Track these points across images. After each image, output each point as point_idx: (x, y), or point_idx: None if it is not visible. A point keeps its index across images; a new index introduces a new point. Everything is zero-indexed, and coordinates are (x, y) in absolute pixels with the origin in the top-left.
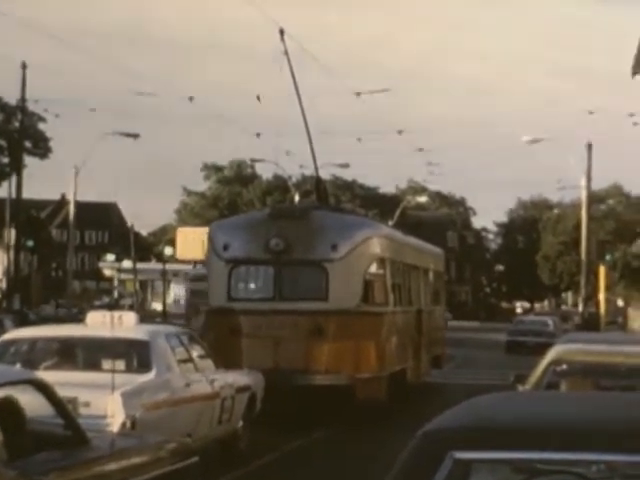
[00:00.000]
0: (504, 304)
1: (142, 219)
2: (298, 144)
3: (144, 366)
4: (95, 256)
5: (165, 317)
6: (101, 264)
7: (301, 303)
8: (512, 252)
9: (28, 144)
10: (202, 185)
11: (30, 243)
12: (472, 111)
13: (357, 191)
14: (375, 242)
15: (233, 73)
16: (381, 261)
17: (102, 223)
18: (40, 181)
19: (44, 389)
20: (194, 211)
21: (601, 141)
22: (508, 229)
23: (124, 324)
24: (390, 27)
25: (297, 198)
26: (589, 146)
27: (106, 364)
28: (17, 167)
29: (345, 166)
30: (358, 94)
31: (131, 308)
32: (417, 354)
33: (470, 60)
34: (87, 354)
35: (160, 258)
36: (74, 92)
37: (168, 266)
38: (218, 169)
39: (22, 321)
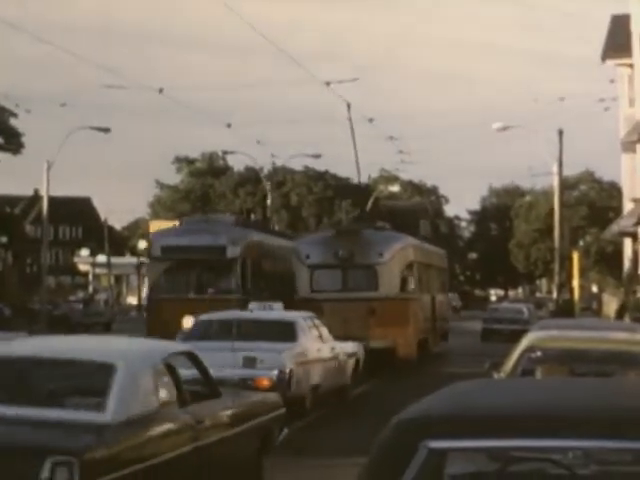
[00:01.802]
0: (478, 292)
1: (116, 213)
2: (269, 133)
3: (292, 338)
4: (69, 251)
5: (140, 311)
6: (76, 259)
7: (359, 293)
8: (485, 240)
9: (0, 140)
10: (175, 178)
11: (4, 239)
12: (442, 99)
13: (329, 181)
14: (406, 250)
15: (202, 65)
16: (410, 263)
17: (76, 218)
18: (13, 177)
19: (194, 358)
20: (167, 204)
21: (572, 127)
22: (481, 217)
23: (275, 310)
24: (358, 16)
25: (268, 187)
26: (560, 132)
27: (269, 336)
28: None
29: (317, 156)
30: (328, 84)
31: (106, 303)
32: (433, 328)
33: (440, 48)
34: (257, 330)
35: (134, 252)
36: (44, 87)
37: (142, 260)
38: (190, 162)
39: None
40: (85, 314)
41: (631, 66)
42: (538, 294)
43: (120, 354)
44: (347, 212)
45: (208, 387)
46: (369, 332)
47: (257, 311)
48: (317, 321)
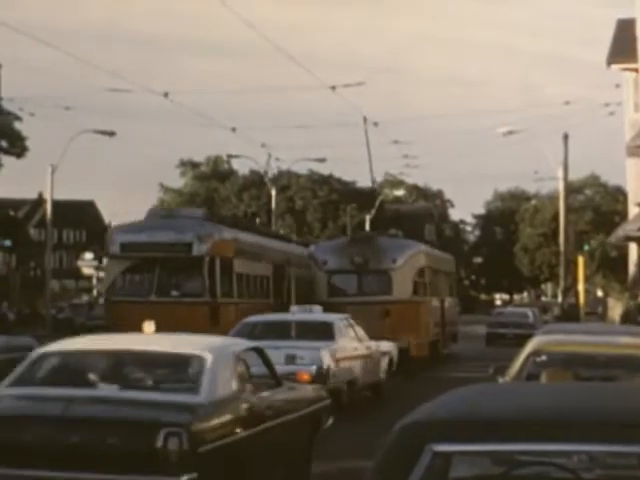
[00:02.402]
0: (483, 296)
1: (119, 217)
2: (272, 136)
3: (331, 336)
4: (73, 255)
5: None
6: (80, 263)
7: (375, 296)
8: (490, 244)
9: (4, 143)
10: (179, 182)
11: (8, 243)
12: (448, 103)
13: (334, 185)
14: (418, 256)
15: (207, 69)
16: (422, 268)
17: (80, 221)
18: (17, 180)
19: (261, 353)
20: (171, 208)
21: (577, 132)
22: (486, 221)
23: (314, 312)
24: (365, 20)
25: (273, 193)
26: (565, 137)
27: (309, 335)
28: None
29: (322, 160)
30: (333, 88)
31: None
32: (443, 330)
33: (446, 51)
34: (298, 330)
35: None
36: (49, 90)
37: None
38: (194, 165)
39: (1, 321)
40: (89, 317)
41: (636, 70)
42: (543, 298)
43: (206, 348)
44: (352, 216)
45: (272, 378)
46: (384, 333)
47: (298, 313)
48: (353, 322)
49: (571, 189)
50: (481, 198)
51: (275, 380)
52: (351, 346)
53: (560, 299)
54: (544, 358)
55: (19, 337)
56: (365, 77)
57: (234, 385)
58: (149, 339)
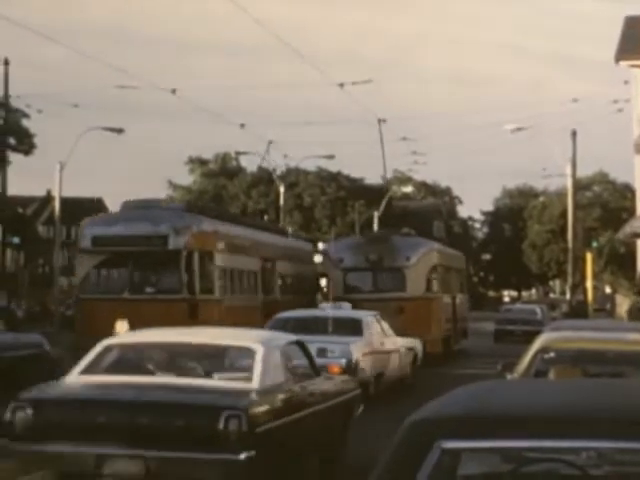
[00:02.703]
0: (492, 293)
1: None
2: (281, 133)
3: (359, 332)
4: None
5: None
6: None
7: (389, 293)
8: (499, 241)
9: (12, 140)
10: (187, 179)
11: (16, 240)
12: (455, 99)
13: (342, 182)
14: (431, 254)
15: (215, 66)
16: (434, 266)
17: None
18: (25, 178)
19: (302, 346)
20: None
21: (586, 128)
22: (494, 218)
23: (343, 309)
24: (372, 17)
25: (282, 190)
26: (574, 133)
27: (339, 331)
28: (2, 164)
29: (330, 157)
30: (341, 85)
31: None
32: (454, 326)
33: (454, 48)
34: (329, 325)
35: None
36: (56, 87)
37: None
38: (203, 162)
39: (10, 318)
40: None
41: None
42: (551, 295)
43: (257, 341)
44: (360, 213)
45: (311, 369)
46: (398, 328)
47: (328, 310)
48: (380, 319)
49: (579, 186)
50: (489, 195)
51: (314, 370)
52: (378, 341)
53: (568, 296)
54: (552, 355)
55: (27, 334)
56: (373, 75)
57: (281, 374)
58: (205, 332)
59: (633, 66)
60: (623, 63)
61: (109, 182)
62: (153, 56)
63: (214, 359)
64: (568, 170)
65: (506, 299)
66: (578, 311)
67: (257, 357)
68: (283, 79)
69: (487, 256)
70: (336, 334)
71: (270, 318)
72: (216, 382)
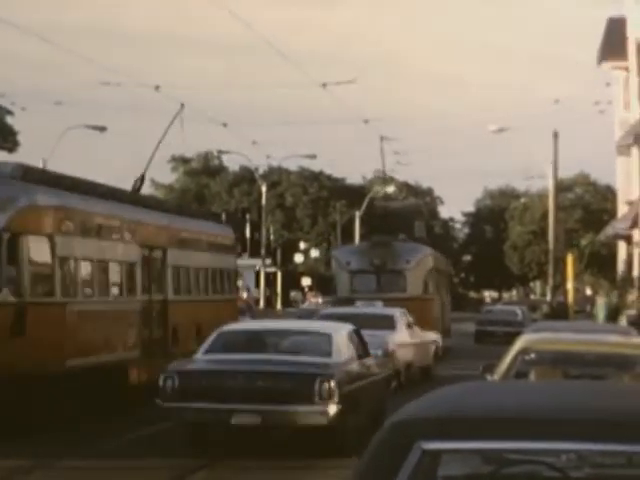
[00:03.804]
0: (472, 294)
1: None
2: (264, 133)
3: (393, 326)
4: None
5: None
6: None
7: (391, 294)
8: (480, 242)
9: None
10: (170, 177)
11: None
12: (437, 100)
13: (324, 182)
14: (427, 258)
15: (198, 65)
16: (430, 269)
17: None
18: None
19: (358, 333)
20: None
21: (567, 130)
22: (475, 219)
23: (377, 306)
24: (356, 17)
25: (264, 189)
26: (555, 135)
27: (375, 325)
28: None
29: (312, 157)
30: (324, 85)
31: None
32: (443, 324)
33: (437, 48)
34: (366, 320)
35: None
36: (40, 85)
37: None
38: (185, 161)
39: None
40: None
41: (627, 69)
42: (532, 296)
43: (331, 328)
44: (342, 213)
45: (364, 350)
46: None
47: (364, 307)
48: (408, 315)
49: (561, 187)
50: (471, 196)
51: (365, 352)
52: (408, 335)
53: (549, 297)
54: (533, 356)
55: None
56: (356, 74)
57: (347, 353)
58: (290, 322)
59: (615, 68)
60: (605, 65)
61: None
62: (137, 54)
63: (302, 340)
64: (550, 171)
65: (487, 300)
66: (559, 312)
67: (333, 340)
68: (267, 79)
69: (468, 257)
70: (373, 328)
71: (162, 324)
72: (305, 357)
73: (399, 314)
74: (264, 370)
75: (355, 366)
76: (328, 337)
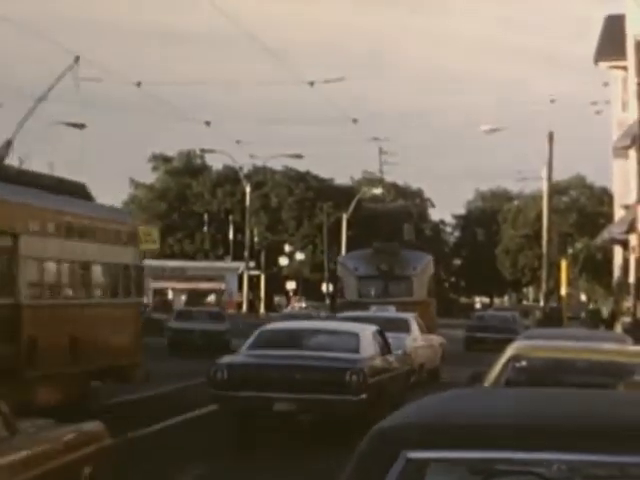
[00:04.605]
0: (463, 299)
1: None
2: (249, 132)
3: (408, 329)
4: None
5: None
6: None
7: (398, 298)
8: (471, 245)
9: None
10: (150, 177)
11: None
12: (429, 99)
13: (311, 182)
14: (430, 265)
15: (182, 61)
16: (431, 275)
17: None
18: None
19: (381, 333)
20: (142, 204)
21: (563, 131)
22: (466, 222)
23: (390, 311)
24: (345, 13)
25: (248, 190)
26: (550, 135)
27: (392, 328)
28: None
29: (298, 157)
30: (312, 83)
31: None
32: (435, 324)
33: (427, 46)
34: (383, 324)
35: None
36: (17, 80)
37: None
38: (167, 160)
39: None
40: None
41: (625, 69)
42: (525, 302)
43: (358, 328)
44: (328, 214)
45: (386, 347)
46: None
47: (379, 312)
48: (419, 319)
49: (555, 190)
50: (462, 198)
51: (388, 349)
52: (421, 337)
53: (542, 303)
54: (524, 364)
55: None
56: (345, 72)
57: (373, 349)
58: (322, 322)
59: (613, 67)
60: (603, 64)
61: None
62: (117, 49)
63: (332, 339)
64: (544, 173)
65: (478, 306)
66: (552, 319)
67: (360, 338)
68: (253, 76)
69: (458, 261)
70: (390, 330)
71: (8, 338)
72: (337, 353)
73: (412, 318)
74: (301, 364)
75: (379, 362)
76: (356, 336)
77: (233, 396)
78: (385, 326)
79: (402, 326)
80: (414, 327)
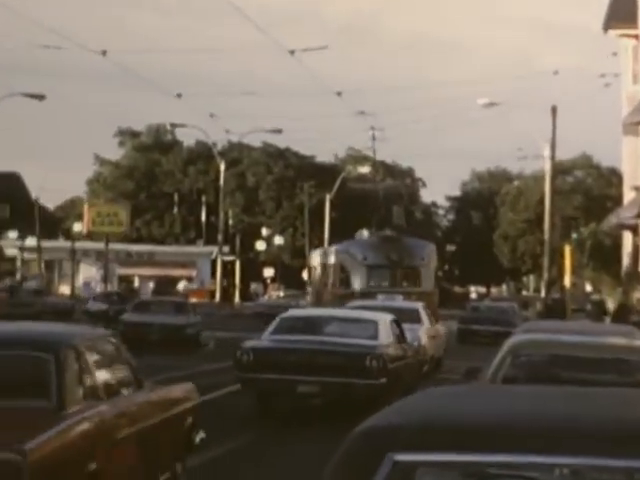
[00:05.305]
0: (457, 288)
1: (48, 192)
2: (223, 105)
3: (419, 320)
4: None
5: (74, 301)
6: (2, 242)
7: (406, 288)
8: (466, 230)
9: None
10: (117, 153)
11: None
12: (421, 70)
13: (291, 160)
14: (434, 255)
15: (151, 27)
16: (436, 265)
17: (2, 196)
18: None
19: (397, 322)
20: (107, 182)
21: (567, 105)
22: (461, 204)
23: (397, 300)
24: None
25: (222, 168)
26: (553, 110)
27: (404, 318)
28: None
29: (277, 132)
30: (292, 52)
31: (38, 293)
32: (438, 314)
33: (420, 13)
34: (395, 314)
35: (69, 235)
36: None
37: (77, 244)
38: (134, 135)
39: None
40: (12, 304)
41: (636, 37)
42: (524, 292)
43: (376, 317)
44: (310, 195)
45: (402, 336)
46: None
47: (387, 301)
48: (427, 309)
49: (559, 170)
50: (457, 178)
51: (404, 338)
52: (431, 327)
53: (543, 293)
54: (522, 359)
55: None
56: (328, 40)
57: (390, 337)
58: (341, 310)
59: (623, 35)
60: (612, 32)
61: (28, 155)
62: (81, 13)
63: (351, 326)
64: (547, 152)
65: (473, 295)
66: (554, 311)
67: (378, 326)
68: (226, 43)
69: (452, 247)
70: (403, 321)
71: None
72: (358, 340)
73: (422, 308)
74: (324, 349)
75: (396, 349)
76: (375, 323)
77: (258, 378)
78: (396, 316)
79: (413, 316)
80: (424, 317)
